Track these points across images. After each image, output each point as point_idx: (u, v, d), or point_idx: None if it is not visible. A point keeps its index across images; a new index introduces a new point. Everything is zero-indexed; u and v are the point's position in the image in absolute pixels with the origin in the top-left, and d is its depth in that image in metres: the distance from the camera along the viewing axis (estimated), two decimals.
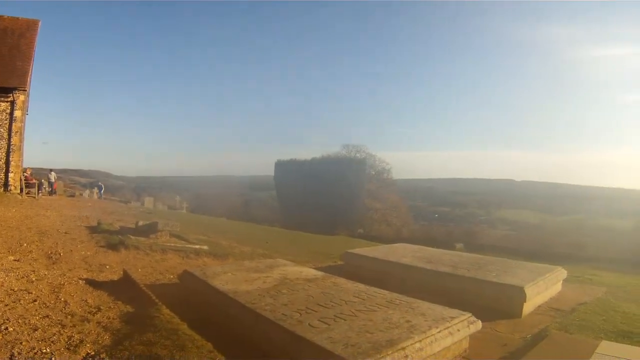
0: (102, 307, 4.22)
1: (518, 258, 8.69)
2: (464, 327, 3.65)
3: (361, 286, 4.65)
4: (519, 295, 4.84)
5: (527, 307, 4.95)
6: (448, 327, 3.52)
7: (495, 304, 4.90)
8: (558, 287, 6.02)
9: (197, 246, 8.09)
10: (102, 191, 30.55)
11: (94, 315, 3.97)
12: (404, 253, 7.16)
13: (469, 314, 3.79)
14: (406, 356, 3.03)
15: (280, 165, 38.31)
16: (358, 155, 37.02)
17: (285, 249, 9.95)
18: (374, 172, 37.29)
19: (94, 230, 9.59)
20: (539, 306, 5.31)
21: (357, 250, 7.58)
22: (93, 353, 3.14)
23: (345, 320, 3.50)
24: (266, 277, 4.91)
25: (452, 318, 3.64)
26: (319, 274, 5.33)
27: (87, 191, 28.02)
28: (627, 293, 6.96)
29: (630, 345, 3.91)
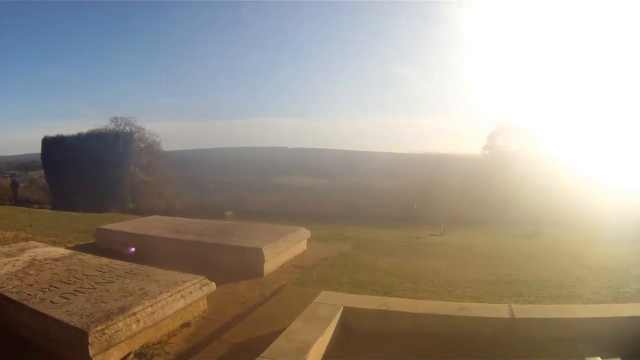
0: None
1: (285, 222, 9.47)
2: (196, 289, 4.01)
3: (105, 260, 4.82)
4: (259, 256, 5.33)
5: (269, 267, 5.45)
6: (180, 291, 3.85)
7: (239, 266, 5.34)
8: (303, 246, 6.62)
9: None
10: None
11: None
12: (154, 225, 7.25)
13: (202, 277, 4.15)
14: (138, 320, 3.36)
15: (47, 142, 32.55)
16: (127, 128, 34.76)
17: (50, 230, 9.03)
18: (143, 145, 35.66)
19: None
20: (282, 265, 5.80)
21: (108, 226, 7.44)
22: None
23: (84, 293, 3.74)
24: (16, 260, 4.85)
25: (184, 282, 3.96)
26: (68, 252, 5.35)
27: None
28: (372, 246, 7.89)
29: (345, 294, 4.32)
